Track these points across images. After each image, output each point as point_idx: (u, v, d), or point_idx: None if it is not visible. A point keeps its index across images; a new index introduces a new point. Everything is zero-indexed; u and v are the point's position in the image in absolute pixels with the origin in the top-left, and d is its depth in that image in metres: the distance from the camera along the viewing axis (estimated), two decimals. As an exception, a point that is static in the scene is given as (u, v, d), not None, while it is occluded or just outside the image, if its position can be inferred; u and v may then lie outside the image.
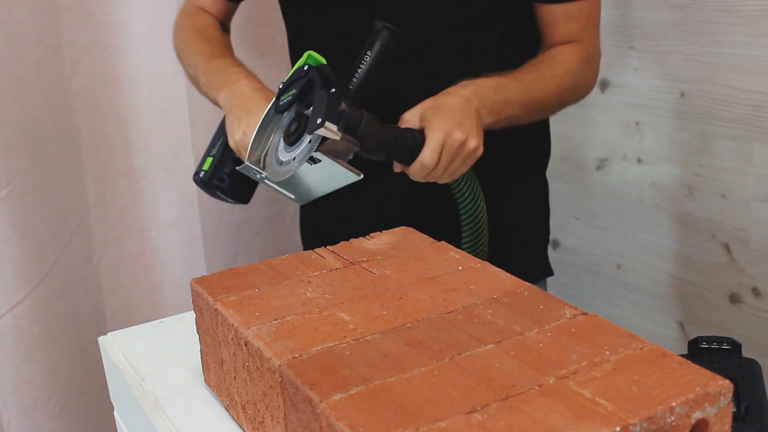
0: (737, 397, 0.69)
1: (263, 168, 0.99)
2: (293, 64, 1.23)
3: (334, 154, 0.93)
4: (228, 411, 0.72)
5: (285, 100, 0.96)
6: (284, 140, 0.97)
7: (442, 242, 0.78)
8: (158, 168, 1.61)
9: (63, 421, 1.55)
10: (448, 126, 0.96)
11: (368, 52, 0.98)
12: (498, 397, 0.51)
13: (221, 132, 1.16)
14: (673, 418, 0.49)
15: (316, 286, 0.70)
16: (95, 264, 1.57)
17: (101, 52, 1.50)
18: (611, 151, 1.63)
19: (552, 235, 1.83)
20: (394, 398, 0.52)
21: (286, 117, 0.98)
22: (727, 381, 0.51)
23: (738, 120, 1.38)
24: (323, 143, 0.91)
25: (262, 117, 0.99)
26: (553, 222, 1.82)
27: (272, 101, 0.99)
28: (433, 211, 1.14)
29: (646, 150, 1.55)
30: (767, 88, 1.33)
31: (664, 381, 0.51)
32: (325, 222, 1.26)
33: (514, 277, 0.69)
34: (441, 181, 1.00)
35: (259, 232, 1.71)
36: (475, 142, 0.97)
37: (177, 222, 1.65)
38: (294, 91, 0.96)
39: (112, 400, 0.90)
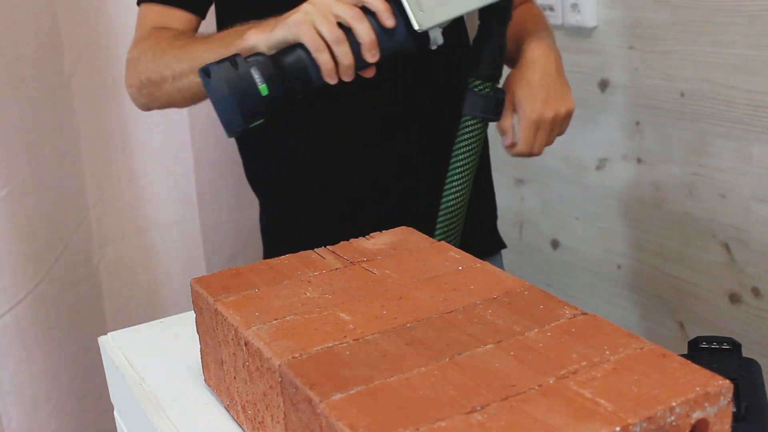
0: (737, 397, 0.69)
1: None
2: None
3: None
4: (228, 411, 0.72)
5: None
6: None
7: (442, 242, 0.78)
8: (158, 168, 1.61)
9: (63, 421, 1.55)
10: (538, 109, 1.03)
11: None
12: (498, 397, 0.51)
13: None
14: (673, 418, 0.49)
15: (316, 286, 0.70)
16: (95, 264, 1.57)
17: (101, 52, 1.50)
18: (611, 151, 1.63)
19: (552, 235, 1.83)
20: (394, 398, 0.52)
21: None
22: (727, 381, 0.51)
23: (738, 120, 1.38)
24: None
25: None
26: (553, 222, 1.82)
27: None
28: (402, 215, 1.13)
29: (646, 150, 1.55)
30: (767, 88, 1.33)
31: (664, 381, 0.51)
32: (289, 224, 1.26)
33: (514, 277, 0.69)
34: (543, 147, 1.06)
35: (259, 232, 1.72)
36: (564, 109, 1.04)
37: (177, 222, 1.65)
38: None
39: (112, 400, 0.90)
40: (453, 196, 1.06)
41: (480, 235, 1.26)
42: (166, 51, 1.07)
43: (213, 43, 1.01)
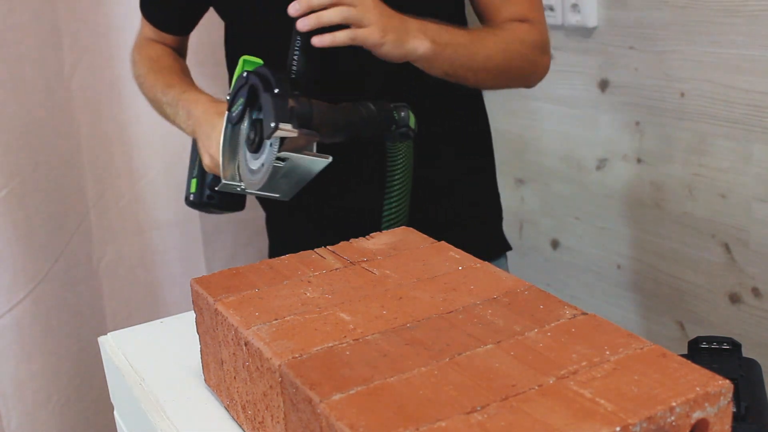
0: (737, 397, 0.69)
1: (240, 181, 1.02)
2: (230, 71, 1.24)
3: (298, 149, 0.95)
4: (228, 411, 0.72)
5: (235, 111, 0.99)
6: (248, 149, 0.99)
7: (442, 242, 0.78)
8: (158, 168, 1.61)
9: (63, 421, 1.55)
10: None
11: (297, 41, 0.98)
12: (498, 397, 0.51)
13: (196, 152, 1.18)
14: (673, 418, 0.49)
15: (316, 286, 0.70)
16: (95, 264, 1.57)
17: (101, 52, 1.50)
18: (611, 151, 1.63)
19: (552, 235, 1.83)
20: (394, 398, 0.52)
21: (245, 126, 1.00)
22: (727, 381, 0.51)
23: (738, 120, 1.38)
24: (284, 143, 0.93)
25: (222, 135, 1.02)
26: (553, 222, 1.82)
27: (225, 115, 1.02)
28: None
29: (646, 150, 1.55)
30: (767, 88, 1.33)
31: (664, 381, 0.51)
32: (289, 222, 1.26)
33: (514, 277, 0.69)
34: (321, 19, 0.95)
35: (259, 232, 1.71)
36: (370, 20, 0.95)
37: (177, 222, 1.65)
38: (241, 100, 0.98)
39: (112, 400, 0.90)
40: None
41: (484, 237, 1.26)
42: (143, 84, 1.24)
43: (169, 108, 1.18)
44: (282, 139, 0.93)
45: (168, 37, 1.26)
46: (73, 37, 1.47)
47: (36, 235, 1.47)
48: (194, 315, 0.75)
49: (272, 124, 0.90)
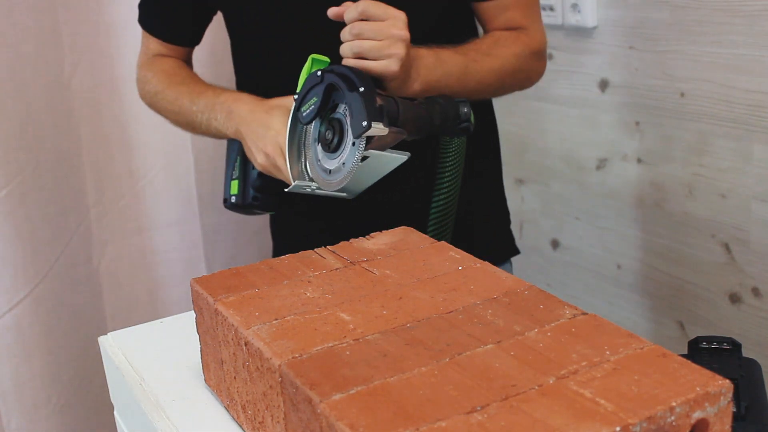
0: (737, 397, 0.69)
1: (311, 181, 0.99)
2: (237, 71, 1.23)
3: (382, 147, 0.94)
4: (228, 411, 0.72)
5: (308, 110, 0.96)
6: (324, 149, 0.96)
7: (442, 242, 0.78)
8: (158, 168, 1.61)
9: (63, 421, 1.56)
10: (397, 29, 0.94)
11: None
12: (498, 397, 0.51)
13: (235, 152, 1.14)
14: (673, 418, 0.49)
15: (316, 286, 0.70)
16: (95, 264, 1.57)
17: (101, 52, 1.50)
18: (611, 151, 1.63)
19: (552, 235, 1.83)
20: (394, 398, 0.52)
21: (313, 126, 0.98)
22: (727, 381, 0.51)
23: (738, 120, 1.38)
24: (370, 141, 0.91)
25: (287, 134, 0.99)
26: (553, 222, 1.82)
27: (291, 114, 0.99)
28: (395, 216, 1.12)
29: (646, 150, 1.56)
30: (767, 88, 1.33)
31: (664, 381, 0.51)
32: (296, 216, 1.25)
33: (514, 277, 0.69)
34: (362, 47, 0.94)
35: (259, 232, 1.72)
36: (398, 52, 0.94)
37: (177, 222, 1.65)
38: (315, 99, 0.95)
39: (112, 400, 0.90)
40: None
41: (489, 242, 1.25)
42: (160, 101, 1.21)
43: (203, 113, 1.14)
44: (368, 139, 0.91)
45: (179, 50, 1.24)
46: (73, 37, 1.47)
47: (36, 235, 1.47)
48: (194, 315, 0.75)
49: (364, 123, 0.88)
